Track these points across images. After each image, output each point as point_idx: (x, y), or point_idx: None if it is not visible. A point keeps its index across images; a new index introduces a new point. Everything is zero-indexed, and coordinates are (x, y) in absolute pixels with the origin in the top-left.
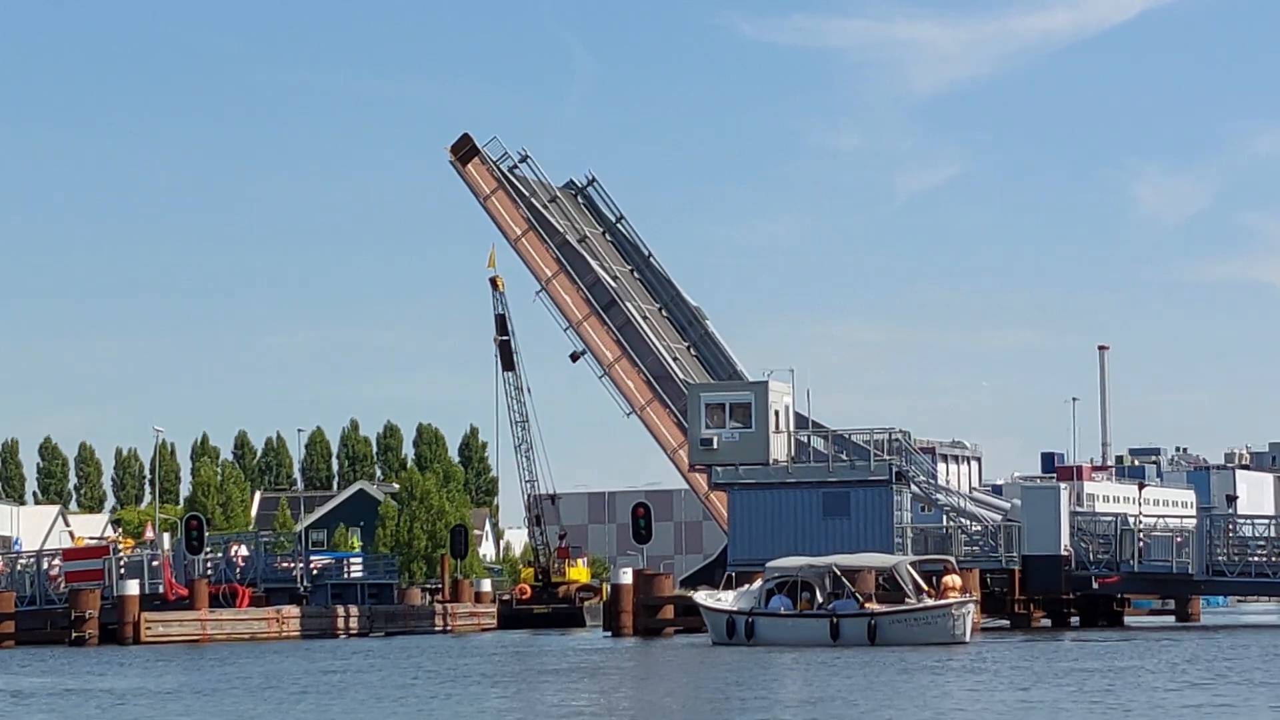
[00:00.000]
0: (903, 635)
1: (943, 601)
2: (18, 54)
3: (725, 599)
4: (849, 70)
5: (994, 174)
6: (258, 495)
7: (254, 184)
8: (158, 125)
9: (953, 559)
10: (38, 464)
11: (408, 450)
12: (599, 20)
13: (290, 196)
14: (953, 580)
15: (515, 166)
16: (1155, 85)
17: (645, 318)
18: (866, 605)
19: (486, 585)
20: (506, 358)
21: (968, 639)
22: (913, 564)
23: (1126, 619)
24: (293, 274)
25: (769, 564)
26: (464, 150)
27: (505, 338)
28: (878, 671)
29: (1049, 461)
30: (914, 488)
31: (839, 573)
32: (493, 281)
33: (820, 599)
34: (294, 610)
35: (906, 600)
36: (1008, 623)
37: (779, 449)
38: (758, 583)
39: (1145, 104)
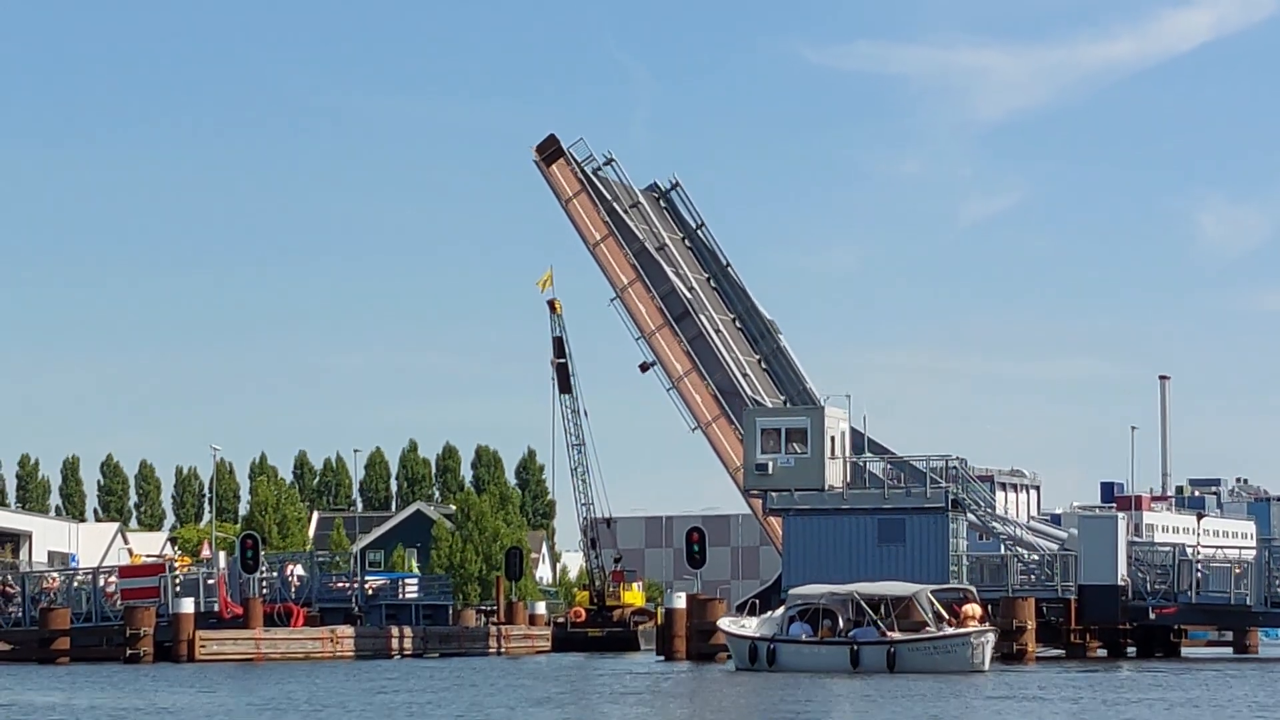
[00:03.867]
0: (922, 664)
1: (962, 630)
2: (64, 63)
3: (749, 625)
4: (912, 97)
5: (1056, 202)
6: (315, 515)
7: (315, 205)
8: (220, 145)
9: (973, 589)
10: (98, 482)
11: (466, 472)
12: (662, 46)
13: (351, 219)
14: (972, 609)
15: (599, 169)
16: (1219, 114)
17: (718, 330)
18: (887, 634)
19: (541, 608)
20: (564, 380)
21: (987, 668)
22: (933, 593)
23: (1183, 650)
24: (354, 295)
25: (791, 591)
26: (549, 150)
27: (562, 360)
28: (924, 701)
29: (1108, 491)
30: (970, 516)
31: (860, 600)
32: (550, 304)
33: (842, 626)
34: (348, 630)
35: (926, 629)
36: (1063, 652)
37: (834, 475)
38: (780, 610)
39: (1209, 133)
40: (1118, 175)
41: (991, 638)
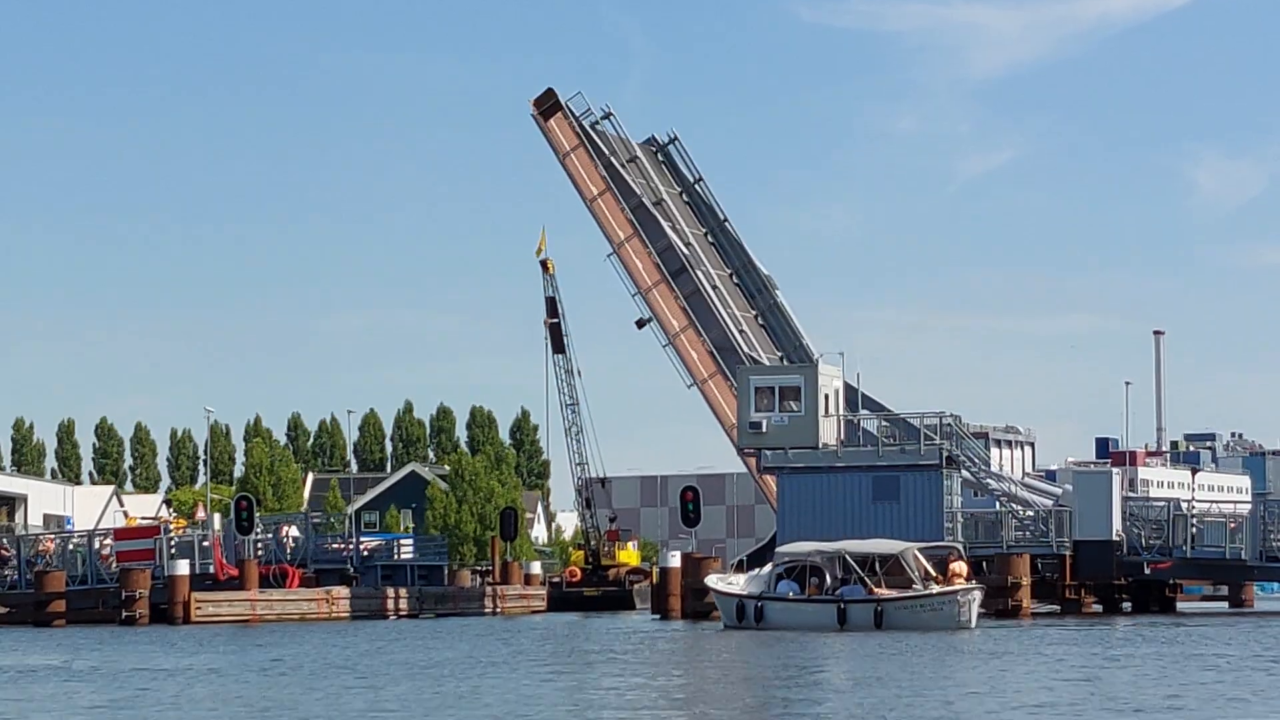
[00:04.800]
0: (909, 621)
1: (949, 588)
2: (59, 34)
3: (737, 583)
4: (907, 54)
5: (1051, 158)
6: (310, 476)
7: (311, 165)
8: (215, 107)
9: (959, 546)
10: (94, 444)
11: (460, 432)
12: (657, 3)
13: (345, 179)
14: (959, 567)
15: (597, 123)
16: (1214, 69)
17: (715, 286)
18: (874, 591)
19: (536, 568)
20: (557, 340)
21: (973, 625)
22: (920, 550)
23: (1179, 605)
24: (348, 257)
25: (778, 549)
26: (547, 104)
27: (556, 320)
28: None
29: (1103, 447)
30: (965, 473)
31: (848, 558)
32: (544, 264)
33: (829, 584)
34: (344, 591)
35: (913, 587)
36: (1058, 608)
37: (828, 433)
38: (768, 567)
39: (1203, 88)
40: (1113, 131)
41: (978, 595)
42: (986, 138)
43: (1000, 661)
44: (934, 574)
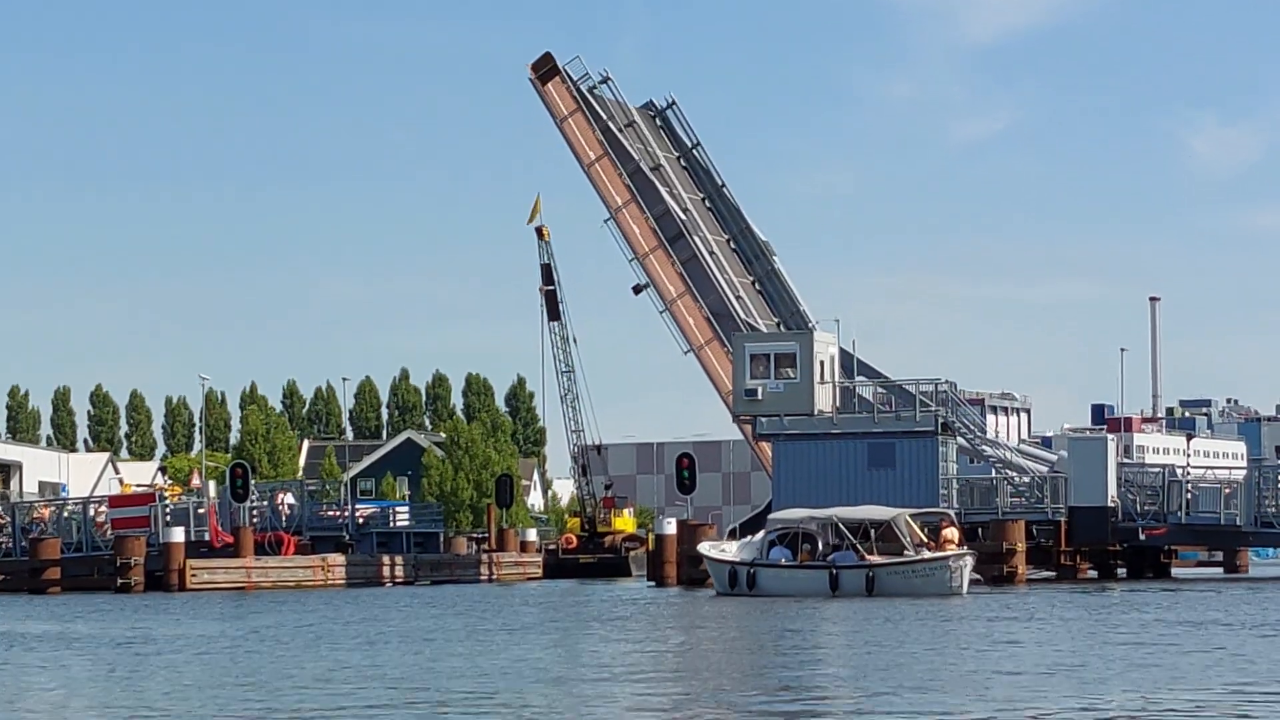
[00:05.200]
0: (900, 587)
1: (941, 554)
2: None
3: (729, 550)
4: (903, 19)
5: (1046, 123)
6: (306, 444)
7: (306, 131)
8: (210, 71)
9: (951, 512)
10: (89, 412)
11: (456, 400)
12: None
13: (341, 144)
14: (951, 533)
15: (595, 88)
16: (1210, 35)
17: (712, 252)
18: (866, 557)
19: (532, 535)
20: (552, 307)
21: (965, 591)
22: (912, 517)
23: (1174, 571)
24: (344, 223)
25: (771, 515)
26: (545, 69)
27: (551, 287)
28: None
29: (1099, 413)
30: (960, 439)
31: (840, 524)
32: (538, 231)
33: (821, 550)
34: (339, 558)
35: (905, 553)
36: (1054, 574)
37: (824, 400)
38: (760, 534)
39: (1199, 53)
40: (1108, 96)
41: (969, 561)
42: (981, 103)
43: (987, 626)
44: (926, 540)
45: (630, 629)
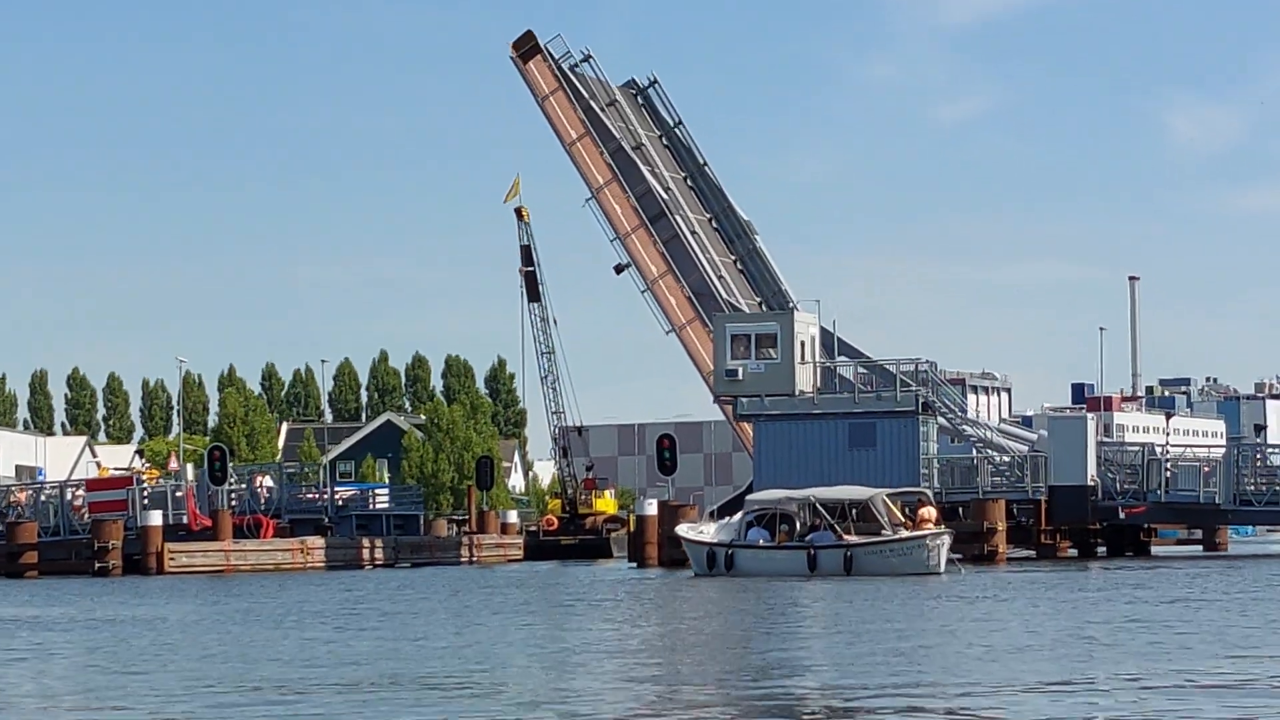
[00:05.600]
0: (878, 566)
1: (918, 533)
2: None
3: (707, 531)
4: (884, 1)
5: (1027, 105)
6: (285, 426)
7: (283, 115)
8: (187, 57)
9: (929, 492)
10: (66, 395)
11: (436, 382)
12: None
13: (319, 128)
14: (928, 512)
15: (576, 66)
16: (1189, 15)
17: (694, 231)
18: (844, 537)
19: (513, 517)
20: (532, 289)
21: (942, 570)
22: (889, 496)
23: (1153, 549)
24: (322, 205)
25: (748, 496)
26: (526, 47)
27: (531, 268)
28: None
29: (1079, 392)
30: (941, 419)
31: (817, 504)
32: (518, 212)
33: (799, 530)
34: (318, 541)
35: (883, 532)
36: (1034, 553)
37: (805, 380)
38: (738, 515)
39: (1179, 34)
40: (1088, 77)
41: (947, 540)
42: (962, 85)
43: (962, 605)
44: (903, 519)
45: (606, 611)
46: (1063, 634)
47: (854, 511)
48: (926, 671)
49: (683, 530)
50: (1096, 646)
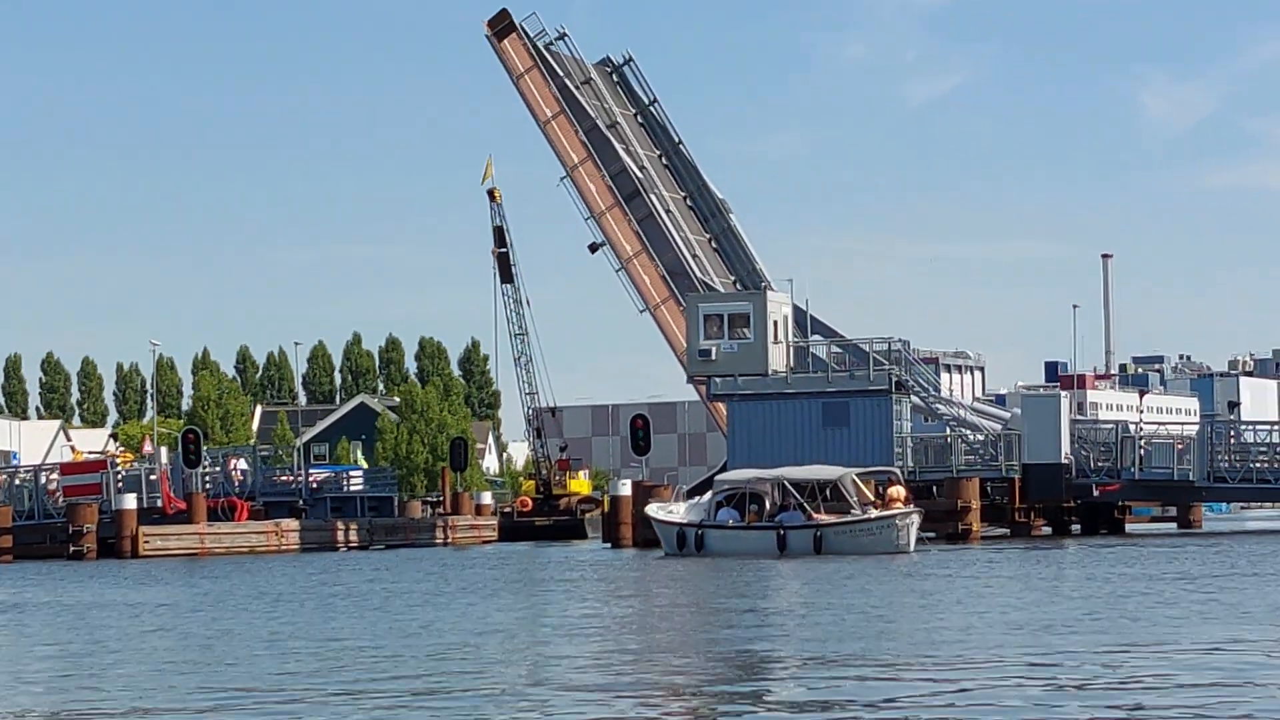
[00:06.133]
0: (848, 546)
1: (887, 512)
2: None
3: (677, 511)
4: None
5: (998, 83)
6: (259, 409)
7: (255, 98)
8: (155, 35)
9: (897, 471)
10: (40, 379)
11: (410, 364)
12: None
13: (292, 111)
14: (897, 491)
15: (551, 44)
16: None
17: (669, 210)
18: (813, 517)
19: (487, 498)
20: (505, 270)
21: (912, 549)
22: (858, 475)
23: (1128, 526)
24: (295, 189)
25: (718, 477)
26: (501, 25)
27: (503, 250)
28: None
29: (1052, 370)
30: (914, 398)
31: (787, 484)
32: (490, 193)
33: (769, 510)
34: (293, 524)
35: (852, 512)
36: (1008, 531)
37: (778, 359)
38: (708, 495)
39: (1151, 11)
40: (1060, 55)
41: (916, 519)
42: (934, 64)
43: (928, 582)
44: (873, 499)
45: (571, 591)
46: (1032, 608)
47: (824, 491)
48: (896, 646)
49: (652, 510)
50: (1063, 619)
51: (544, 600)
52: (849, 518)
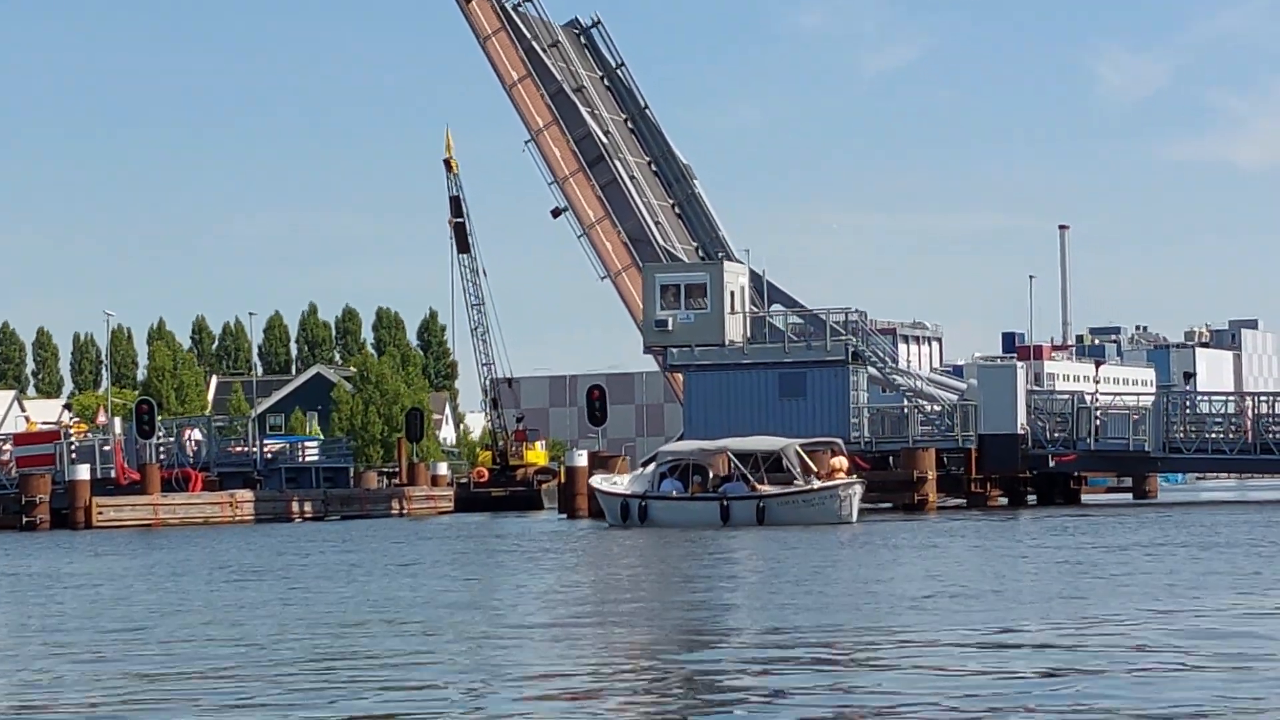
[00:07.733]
0: (790, 516)
1: (830, 483)
2: None
3: (620, 483)
4: None
5: (955, 54)
6: (214, 380)
7: (211, 66)
8: (109, 3)
9: (840, 441)
10: None
11: (367, 334)
12: None
13: (247, 79)
14: (839, 462)
15: (519, 5)
16: None
17: (633, 176)
18: (756, 488)
19: (443, 469)
20: (462, 240)
21: (854, 519)
22: (801, 446)
23: (1083, 497)
24: (252, 158)
25: (661, 448)
26: None
27: (460, 220)
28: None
29: (1009, 341)
30: (871, 369)
31: (730, 456)
32: (446, 163)
33: (712, 481)
34: (248, 494)
35: (795, 482)
36: (964, 502)
37: (734, 330)
38: (651, 466)
39: None
40: (1016, 26)
41: (859, 489)
42: (891, 34)
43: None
44: (815, 469)
45: (504, 565)
46: (982, 574)
47: (768, 462)
48: (839, 615)
49: (596, 482)
50: (1006, 587)
51: (473, 574)
52: (791, 489)
